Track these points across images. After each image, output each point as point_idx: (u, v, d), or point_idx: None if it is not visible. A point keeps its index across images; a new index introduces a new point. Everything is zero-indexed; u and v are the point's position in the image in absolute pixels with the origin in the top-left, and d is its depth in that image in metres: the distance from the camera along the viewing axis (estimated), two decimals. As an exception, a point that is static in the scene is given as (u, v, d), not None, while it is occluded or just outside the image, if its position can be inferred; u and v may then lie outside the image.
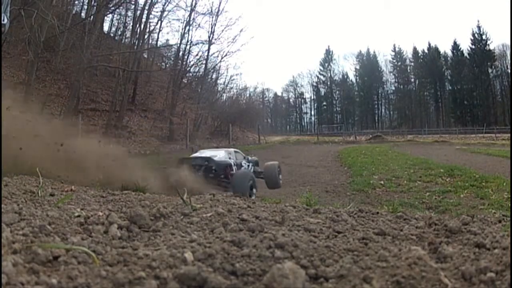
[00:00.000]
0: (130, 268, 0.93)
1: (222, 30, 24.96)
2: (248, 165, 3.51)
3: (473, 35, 52.31)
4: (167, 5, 20.88)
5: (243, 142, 24.95)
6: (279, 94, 65.88)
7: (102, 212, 1.64)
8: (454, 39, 61.63)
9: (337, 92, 61.83)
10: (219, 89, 28.65)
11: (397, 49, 57.99)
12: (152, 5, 20.08)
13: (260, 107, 41.00)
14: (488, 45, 51.27)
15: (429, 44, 56.28)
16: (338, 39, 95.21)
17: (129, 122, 18.39)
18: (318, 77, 62.46)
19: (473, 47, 52.15)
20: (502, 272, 0.92)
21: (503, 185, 5.50)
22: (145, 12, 19.91)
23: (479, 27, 52.00)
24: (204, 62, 23.96)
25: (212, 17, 23.11)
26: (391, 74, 58.81)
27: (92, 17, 16.99)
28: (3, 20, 3.63)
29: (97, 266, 0.96)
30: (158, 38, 23.33)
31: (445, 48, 62.91)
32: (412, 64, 57.23)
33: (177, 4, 24.09)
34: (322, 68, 62.00)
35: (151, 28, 21.32)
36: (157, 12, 21.03)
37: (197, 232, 1.37)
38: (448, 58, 54.85)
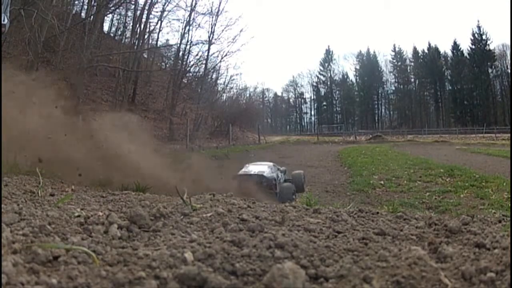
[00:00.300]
0: (130, 268, 0.93)
1: (222, 30, 24.98)
2: (282, 175, 4.27)
3: (473, 35, 52.39)
4: (167, 5, 20.92)
5: (243, 142, 24.95)
6: (279, 94, 65.98)
7: (102, 212, 1.64)
8: (454, 39, 61.81)
9: (337, 92, 61.89)
10: (219, 89, 28.69)
11: (397, 49, 58.08)
12: (152, 5, 20.12)
13: (260, 107, 41.05)
14: (488, 45, 51.36)
15: (429, 44, 56.40)
16: (338, 39, 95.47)
17: (128, 122, 18.36)
18: (318, 77, 62.56)
19: (473, 47, 52.19)
20: (502, 272, 0.92)
21: (503, 185, 5.50)
22: (145, 12, 19.95)
23: (479, 27, 52.09)
24: (204, 62, 23.99)
25: (212, 17, 23.15)
26: (391, 74, 58.90)
27: (92, 17, 16.99)
28: (4, 20, 3.62)
29: (97, 266, 0.96)
30: (158, 38, 23.38)
31: (445, 48, 63.12)
32: (412, 64, 57.27)
33: (177, 4, 24.09)
34: (322, 68, 62.09)
35: (151, 28, 21.35)
36: (157, 12, 21.06)
37: (197, 232, 1.37)
38: (448, 58, 54.91)
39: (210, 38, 23.32)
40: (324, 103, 62.21)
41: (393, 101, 58.48)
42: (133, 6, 19.92)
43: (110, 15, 21.83)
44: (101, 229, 1.34)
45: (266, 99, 60.07)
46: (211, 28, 23.32)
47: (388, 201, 4.56)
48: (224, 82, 28.87)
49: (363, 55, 60.40)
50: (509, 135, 24.10)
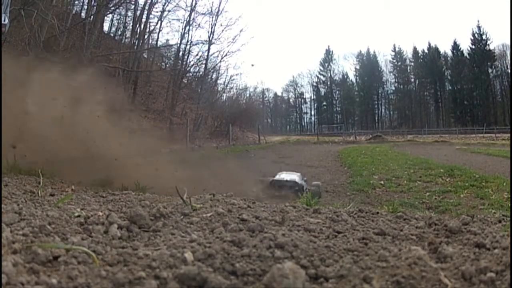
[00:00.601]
0: (130, 268, 0.93)
1: (222, 30, 24.92)
2: (305, 183, 4.89)
3: (473, 35, 52.39)
4: (167, 5, 20.89)
5: (243, 142, 24.95)
6: (279, 94, 65.96)
7: (102, 212, 1.64)
8: (454, 39, 61.66)
9: (337, 92, 61.88)
10: (219, 89, 28.67)
11: (397, 49, 58.07)
12: (152, 5, 20.10)
13: (260, 107, 41.04)
14: (488, 45, 51.35)
15: (429, 44, 56.38)
16: (338, 39, 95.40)
17: (129, 122, 18.37)
18: (318, 77, 62.54)
19: (473, 47, 52.19)
20: (502, 272, 0.92)
21: (503, 185, 5.50)
22: (145, 12, 19.93)
23: (479, 27, 52.08)
24: (204, 62, 23.98)
25: (212, 17, 23.12)
26: (391, 74, 58.89)
27: (92, 17, 16.99)
28: (4, 21, 3.62)
29: (97, 266, 0.96)
30: (158, 38, 23.34)
31: (445, 48, 62.94)
32: (412, 64, 57.27)
33: (177, 4, 24.02)
34: (322, 68, 62.08)
35: (151, 28, 21.33)
36: (157, 12, 21.04)
37: (197, 232, 1.37)
38: (448, 58, 54.90)
39: (210, 38, 23.33)
40: (324, 103, 62.21)
41: (393, 101, 58.47)
42: (133, 6, 19.91)
43: (110, 15, 21.83)
44: (101, 229, 1.34)
45: (266, 99, 60.08)
46: (211, 28, 23.32)
47: (388, 201, 4.55)
48: (224, 82, 28.88)
49: (363, 55, 60.43)
50: (509, 135, 24.11)
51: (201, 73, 24.66)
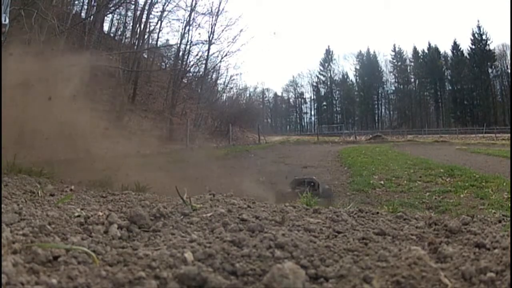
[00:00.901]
0: (130, 268, 0.93)
1: (222, 30, 24.92)
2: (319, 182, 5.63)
3: (473, 35, 52.40)
4: (167, 5, 20.90)
5: (243, 142, 24.96)
6: (279, 94, 65.95)
7: (102, 212, 1.64)
8: (454, 39, 61.68)
9: (337, 92, 61.89)
10: (219, 89, 28.69)
11: (397, 49, 58.08)
12: (152, 5, 20.11)
13: (260, 107, 41.07)
14: (488, 45, 51.38)
15: (429, 44, 56.40)
16: (338, 39, 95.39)
17: (129, 122, 18.38)
18: (318, 77, 62.54)
19: (473, 47, 52.21)
20: (502, 272, 0.92)
21: (503, 185, 5.49)
22: (145, 12, 19.93)
23: (479, 27, 52.10)
24: (204, 62, 23.98)
25: (212, 17, 23.13)
26: (391, 74, 58.90)
27: (92, 17, 16.99)
28: (5, 21, 3.62)
29: (97, 266, 0.96)
30: (158, 38, 23.36)
31: (445, 48, 62.97)
32: (412, 64, 57.28)
33: (177, 4, 24.02)
34: (322, 68, 62.09)
35: (151, 28, 21.34)
36: (157, 12, 21.04)
37: (197, 232, 1.37)
38: (448, 58, 54.91)
39: (210, 38, 23.34)
40: (324, 103, 62.21)
41: (393, 101, 58.50)
42: (133, 6, 19.93)
43: (110, 15, 21.84)
44: (101, 229, 1.34)
45: (266, 99, 60.13)
46: (211, 28, 23.33)
47: (388, 201, 4.55)
48: (224, 82, 28.90)
49: (363, 55, 60.44)
50: (509, 135, 24.11)
51: (201, 73, 24.68)
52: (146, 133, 18.31)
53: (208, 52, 23.81)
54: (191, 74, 24.75)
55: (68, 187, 2.78)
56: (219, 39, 23.73)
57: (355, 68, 60.94)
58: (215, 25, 23.25)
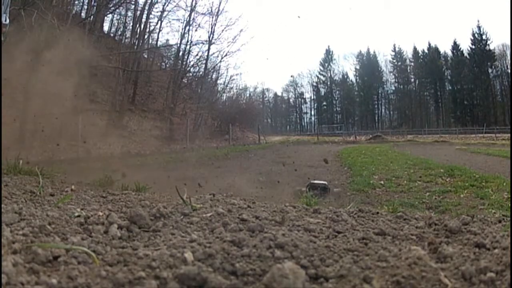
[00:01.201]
0: (130, 268, 0.93)
1: (222, 30, 25.05)
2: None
3: (473, 35, 52.38)
4: (167, 5, 20.94)
5: (243, 142, 24.96)
6: (279, 94, 65.92)
7: (102, 212, 1.64)
8: (454, 39, 61.62)
9: (337, 92, 61.86)
10: (219, 89, 28.71)
11: (397, 49, 58.05)
12: (152, 5, 20.13)
13: (260, 107, 41.06)
14: (488, 45, 51.34)
15: (429, 44, 56.36)
16: (338, 39, 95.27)
17: (129, 122, 18.39)
18: (318, 77, 62.49)
19: (473, 47, 52.19)
20: (502, 272, 0.92)
21: (503, 185, 5.49)
22: (145, 12, 19.95)
23: (479, 27, 52.07)
24: (204, 62, 24.02)
25: (212, 17, 23.18)
26: (391, 74, 58.86)
27: (92, 17, 16.99)
28: (5, 21, 3.61)
29: (97, 266, 0.96)
30: (158, 38, 23.38)
31: (445, 48, 62.90)
32: (412, 64, 57.25)
33: (177, 4, 24.11)
34: (322, 68, 62.04)
35: (151, 28, 21.36)
36: (157, 12, 21.08)
37: (197, 232, 1.37)
38: (448, 58, 54.87)
39: (210, 38, 23.39)
40: (324, 103, 62.18)
41: (393, 101, 58.47)
42: (133, 6, 19.95)
43: (110, 15, 21.84)
44: (101, 229, 1.34)
45: (266, 99, 60.11)
46: (211, 28, 23.38)
47: (388, 201, 4.55)
48: (224, 82, 28.93)
49: (363, 55, 60.41)
50: (509, 135, 24.12)
51: (201, 73, 24.71)
52: (146, 133, 18.33)
53: (208, 52, 23.87)
54: (191, 74, 24.79)
55: (68, 187, 2.78)
56: (219, 39, 23.82)
57: (355, 68, 60.96)
58: (215, 25, 23.34)
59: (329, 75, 61.87)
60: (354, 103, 59.85)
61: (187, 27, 22.41)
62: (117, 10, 20.81)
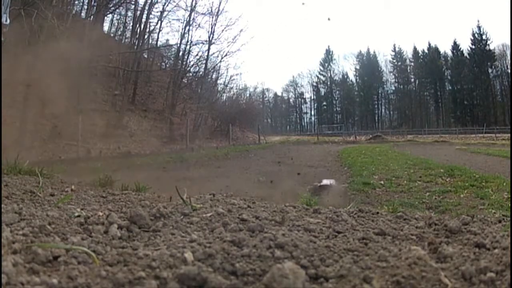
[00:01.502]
0: (130, 268, 0.93)
1: (222, 30, 25.05)
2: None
3: (473, 35, 52.38)
4: (167, 5, 20.94)
5: (243, 142, 24.96)
6: (279, 94, 65.93)
7: (102, 212, 1.64)
8: (454, 39, 61.55)
9: (337, 92, 61.85)
10: (219, 89, 28.71)
11: (397, 49, 58.06)
12: (152, 5, 20.14)
13: (260, 107, 41.04)
14: (488, 45, 51.35)
15: (429, 44, 56.36)
16: (338, 39, 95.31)
17: (129, 122, 18.39)
18: (318, 77, 62.50)
19: (473, 47, 52.19)
20: (502, 272, 0.92)
21: (503, 185, 5.49)
22: (145, 12, 19.95)
23: (479, 27, 52.08)
24: (204, 62, 24.03)
25: (212, 17, 23.18)
26: (391, 74, 58.87)
27: (92, 17, 16.99)
28: (6, 21, 3.61)
29: (97, 266, 0.96)
30: (158, 38, 23.38)
31: (445, 48, 62.79)
32: (412, 64, 57.25)
33: (177, 4, 24.09)
34: (322, 68, 62.05)
35: (151, 28, 21.36)
36: (157, 12, 21.08)
37: (197, 232, 1.37)
38: (448, 58, 54.87)
39: (210, 38, 23.40)
40: (324, 103, 62.17)
41: (393, 101, 58.47)
42: (133, 6, 19.96)
43: (110, 15, 21.84)
44: (101, 229, 1.34)
45: (266, 99, 60.09)
46: (211, 28, 23.39)
47: (388, 201, 4.55)
48: (224, 82, 28.92)
49: (363, 55, 60.40)
50: (509, 135, 24.12)
51: (201, 73, 24.72)
52: (146, 133, 18.33)
53: (208, 52, 23.88)
54: (191, 74, 24.80)
55: (68, 187, 2.78)
56: (219, 39, 23.82)
57: (355, 68, 60.96)
58: (215, 25, 23.34)
59: (329, 75, 61.91)
60: (354, 103, 59.84)
61: (187, 27, 22.45)
62: (117, 10, 20.82)
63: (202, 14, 22.82)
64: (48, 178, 3.07)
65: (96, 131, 13.74)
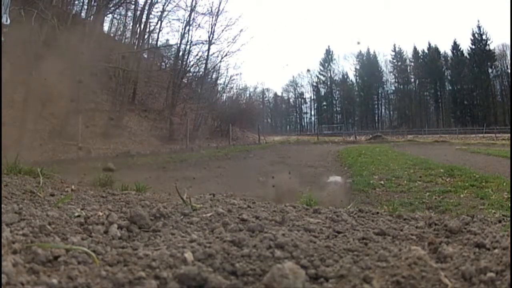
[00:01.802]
0: (130, 268, 0.93)
1: (222, 30, 25.00)
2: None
3: (473, 35, 52.34)
4: (167, 5, 20.93)
5: (243, 142, 24.96)
6: (279, 94, 65.89)
7: (102, 212, 1.64)
8: (454, 39, 61.46)
9: (337, 92, 61.83)
10: (219, 89, 28.67)
11: (397, 49, 58.00)
12: (152, 5, 20.13)
13: (260, 107, 41.00)
14: (488, 45, 51.29)
15: (429, 44, 56.28)
16: (338, 39, 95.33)
17: (129, 122, 18.39)
18: (318, 77, 62.46)
19: (473, 47, 52.16)
20: (502, 272, 0.92)
21: (503, 185, 5.49)
22: (145, 12, 19.95)
23: (479, 27, 52.04)
24: (204, 62, 24.00)
25: (212, 17, 23.16)
26: (391, 74, 58.80)
27: (92, 17, 16.99)
28: (6, 21, 3.61)
29: (97, 266, 0.96)
30: (158, 38, 23.37)
31: (445, 48, 62.69)
32: (412, 64, 57.21)
33: (177, 4, 24.05)
34: (322, 68, 61.98)
35: (151, 28, 21.35)
36: (157, 12, 21.07)
37: (197, 232, 1.37)
38: (448, 58, 54.83)
39: (210, 38, 23.37)
40: (324, 103, 62.14)
41: (393, 101, 58.44)
42: (133, 6, 19.95)
43: (110, 15, 21.82)
44: (101, 229, 1.34)
45: (266, 99, 60.03)
46: (211, 28, 23.36)
47: (388, 201, 4.55)
48: (224, 82, 28.88)
49: (363, 55, 60.36)
50: (509, 135, 24.11)
51: (201, 73, 24.69)
52: (146, 133, 18.33)
53: (208, 52, 23.85)
54: (191, 74, 24.78)
55: (68, 187, 2.78)
56: (219, 39, 23.78)
57: (355, 68, 60.91)
58: (215, 25, 23.29)
59: (329, 75, 61.86)
60: (354, 103, 59.81)
61: (187, 27, 22.43)
62: (117, 10, 20.82)
63: (202, 14, 22.82)
64: (48, 178, 3.07)
65: (96, 131, 13.74)
